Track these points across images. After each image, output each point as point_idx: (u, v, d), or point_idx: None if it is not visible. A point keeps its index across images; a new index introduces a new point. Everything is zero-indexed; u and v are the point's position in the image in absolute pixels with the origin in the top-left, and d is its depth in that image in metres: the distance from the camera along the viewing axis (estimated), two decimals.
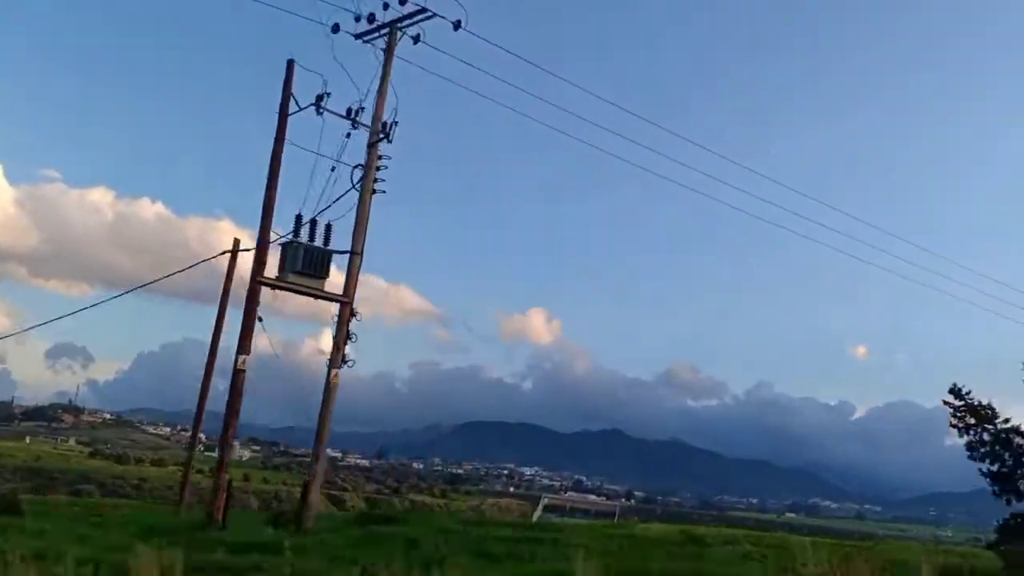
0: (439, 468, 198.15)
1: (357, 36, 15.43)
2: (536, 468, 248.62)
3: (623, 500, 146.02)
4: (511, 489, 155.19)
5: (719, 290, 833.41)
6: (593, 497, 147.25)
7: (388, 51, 15.40)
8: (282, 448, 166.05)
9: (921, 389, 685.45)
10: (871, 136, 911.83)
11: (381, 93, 15.39)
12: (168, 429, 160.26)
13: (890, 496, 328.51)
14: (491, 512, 71.15)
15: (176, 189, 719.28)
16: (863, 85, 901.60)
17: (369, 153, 15.53)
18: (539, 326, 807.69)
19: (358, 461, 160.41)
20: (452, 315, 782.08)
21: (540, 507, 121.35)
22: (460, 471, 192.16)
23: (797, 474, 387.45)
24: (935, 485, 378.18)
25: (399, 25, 15.28)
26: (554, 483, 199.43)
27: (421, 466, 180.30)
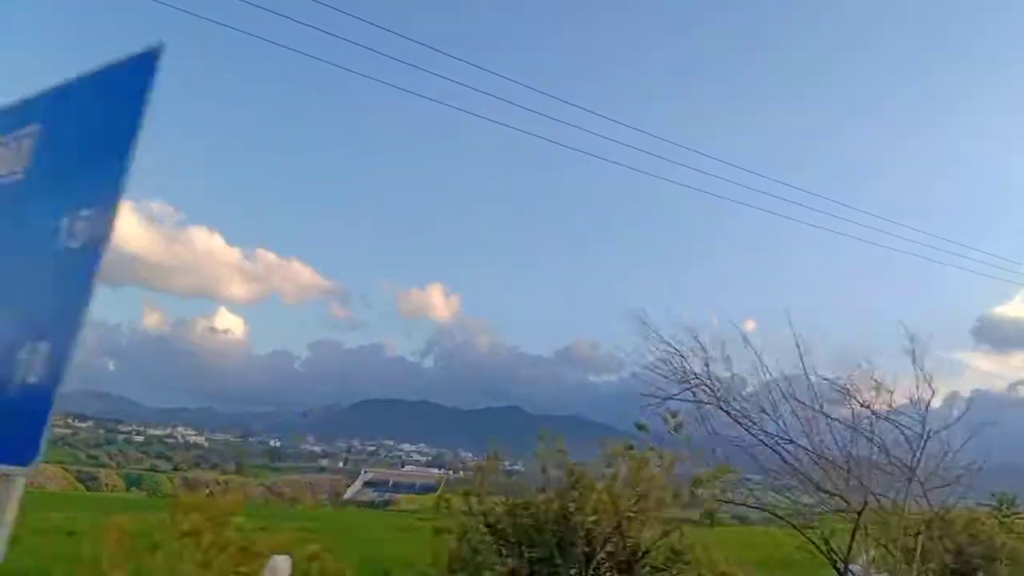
0: (311, 446, 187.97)
1: None
2: (421, 444, 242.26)
3: (451, 472, 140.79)
4: (340, 465, 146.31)
5: (616, 265, 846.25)
6: (436, 471, 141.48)
7: None
8: (115, 426, 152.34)
9: (808, 363, 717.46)
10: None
11: None
12: None
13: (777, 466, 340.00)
14: (287, 489, 64.97)
15: None
16: (720, 47, 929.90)
17: None
18: (438, 302, 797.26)
19: (192, 438, 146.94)
20: (348, 290, 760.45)
21: (358, 482, 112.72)
22: (317, 448, 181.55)
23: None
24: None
25: None
26: (422, 458, 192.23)
27: (278, 444, 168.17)
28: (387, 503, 69.39)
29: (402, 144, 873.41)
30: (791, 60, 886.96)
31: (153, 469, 72.62)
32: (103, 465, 66.67)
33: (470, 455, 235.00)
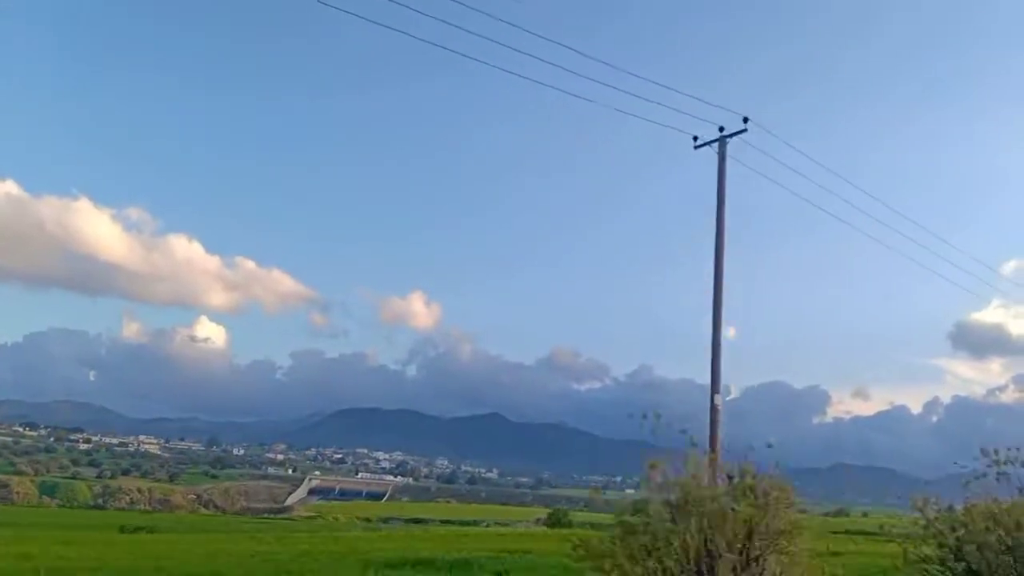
0: (277, 455, 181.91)
1: None
2: (396, 452, 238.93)
3: (412, 480, 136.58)
4: (290, 472, 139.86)
5: (599, 274, 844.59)
6: (391, 478, 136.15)
7: None
8: (66, 435, 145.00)
9: (790, 370, 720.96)
10: None
11: None
12: None
13: (758, 472, 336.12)
14: (219, 495, 61.13)
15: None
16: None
17: None
18: (419, 310, 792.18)
19: (146, 446, 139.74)
20: (329, 298, 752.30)
21: (302, 489, 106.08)
22: (280, 456, 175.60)
23: (671, 454, 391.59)
24: (799, 461, 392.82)
25: None
26: (389, 465, 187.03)
27: (242, 452, 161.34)
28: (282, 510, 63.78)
29: (381, 152, 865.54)
30: (775, 61, 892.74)
31: (74, 477, 66.63)
32: (20, 472, 60.52)
33: (445, 462, 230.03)
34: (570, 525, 42.87)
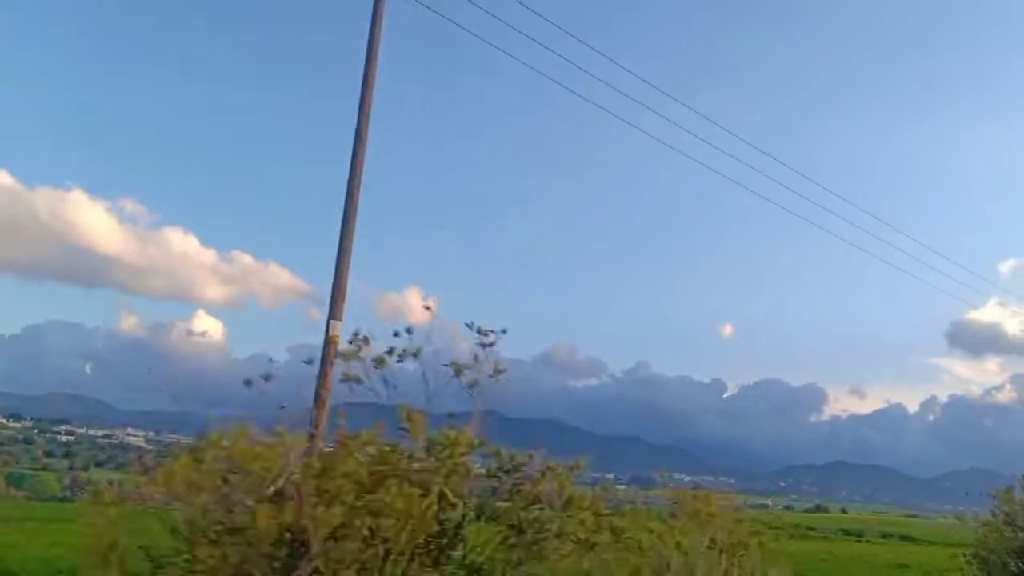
0: None
1: None
2: None
3: None
4: None
5: (598, 271, 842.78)
6: None
7: None
8: (50, 427, 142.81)
9: (788, 368, 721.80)
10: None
11: None
12: None
13: (754, 469, 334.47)
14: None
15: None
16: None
17: None
18: (416, 306, 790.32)
19: (130, 438, 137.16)
20: (327, 293, 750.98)
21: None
22: None
23: (667, 450, 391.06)
24: (796, 458, 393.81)
25: None
26: None
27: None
28: None
29: (379, 147, 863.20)
30: (765, 65, 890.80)
31: (44, 468, 65.51)
32: None
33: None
34: None
